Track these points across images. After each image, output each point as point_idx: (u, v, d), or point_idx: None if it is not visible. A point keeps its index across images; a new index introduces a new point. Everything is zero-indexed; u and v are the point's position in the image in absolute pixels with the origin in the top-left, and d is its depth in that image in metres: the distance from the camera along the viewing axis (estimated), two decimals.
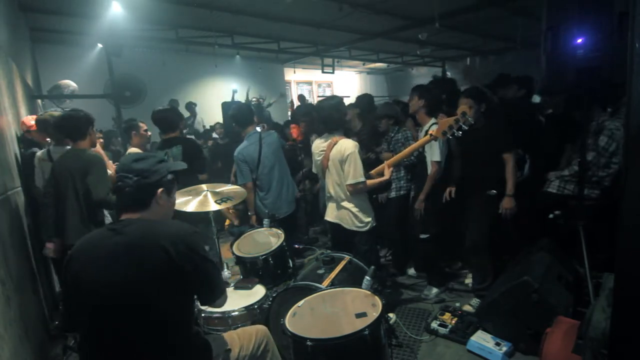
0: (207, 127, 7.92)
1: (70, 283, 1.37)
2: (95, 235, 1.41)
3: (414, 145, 2.62)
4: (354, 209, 2.66)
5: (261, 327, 1.84)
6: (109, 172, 2.71)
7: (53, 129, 2.84)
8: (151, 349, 1.32)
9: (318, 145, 2.80)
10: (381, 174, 2.63)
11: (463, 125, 2.37)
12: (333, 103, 2.72)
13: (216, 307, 1.57)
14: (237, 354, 1.63)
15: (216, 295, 1.49)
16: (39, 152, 2.97)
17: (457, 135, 2.41)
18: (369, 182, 2.60)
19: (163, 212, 1.47)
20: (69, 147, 2.76)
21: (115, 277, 1.28)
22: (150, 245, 1.30)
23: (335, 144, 2.65)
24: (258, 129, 3.36)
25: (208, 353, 1.50)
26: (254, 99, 8.01)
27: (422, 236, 3.09)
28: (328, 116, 2.67)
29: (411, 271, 3.61)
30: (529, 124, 3.52)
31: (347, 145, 2.58)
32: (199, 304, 1.72)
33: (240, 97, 8.11)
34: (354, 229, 2.68)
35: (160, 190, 1.43)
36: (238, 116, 3.34)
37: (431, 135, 2.48)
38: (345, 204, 2.68)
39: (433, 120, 3.01)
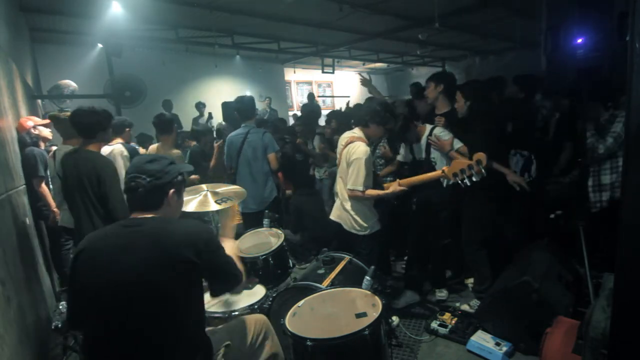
0: (212, 126, 7.93)
1: (79, 281, 1.36)
2: (108, 232, 1.41)
3: (424, 176, 2.54)
4: (353, 212, 2.65)
5: (260, 317, 1.86)
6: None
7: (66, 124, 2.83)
8: (157, 345, 1.32)
9: (342, 137, 2.80)
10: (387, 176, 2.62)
11: (474, 174, 2.29)
12: (376, 101, 2.76)
13: (235, 293, 1.64)
14: (237, 347, 1.64)
15: (234, 283, 1.55)
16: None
17: (465, 183, 2.32)
18: (369, 192, 2.55)
19: (172, 213, 1.50)
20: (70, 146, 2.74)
21: (128, 277, 1.28)
22: (169, 244, 1.32)
23: (350, 143, 2.62)
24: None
25: (209, 349, 1.50)
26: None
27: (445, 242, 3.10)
28: (363, 113, 2.69)
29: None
30: (531, 124, 3.51)
31: (357, 150, 2.54)
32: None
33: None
34: (353, 231, 2.68)
35: (172, 191, 1.46)
36: (241, 108, 3.64)
37: (443, 171, 2.41)
38: (346, 205, 2.68)
39: (429, 126, 2.92)
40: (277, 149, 3.57)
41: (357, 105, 2.71)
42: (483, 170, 2.28)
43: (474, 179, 2.31)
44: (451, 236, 3.12)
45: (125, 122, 3.66)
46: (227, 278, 1.51)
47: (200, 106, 8.06)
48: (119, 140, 3.56)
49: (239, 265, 1.61)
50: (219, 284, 1.52)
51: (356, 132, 2.69)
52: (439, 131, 2.84)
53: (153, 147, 3.93)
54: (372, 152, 3.25)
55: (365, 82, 3.72)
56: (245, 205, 3.53)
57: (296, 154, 4.39)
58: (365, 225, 2.65)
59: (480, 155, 2.31)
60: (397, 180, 2.61)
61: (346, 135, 2.75)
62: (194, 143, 4.46)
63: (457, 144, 2.76)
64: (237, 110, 3.71)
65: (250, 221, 3.35)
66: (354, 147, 2.57)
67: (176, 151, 3.74)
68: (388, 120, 2.62)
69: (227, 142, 3.62)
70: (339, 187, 2.76)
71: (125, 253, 1.31)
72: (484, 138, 2.69)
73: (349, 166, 2.56)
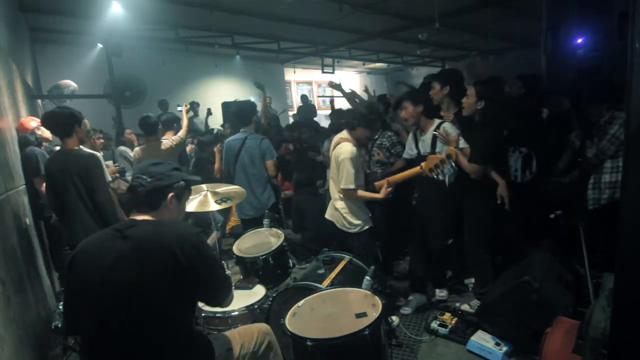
0: (211, 126, 7.90)
1: (74, 284, 1.36)
2: (100, 237, 1.41)
3: (407, 172, 2.63)
4: (343, 210, 2.71)
5: (263, 325, 1.84)
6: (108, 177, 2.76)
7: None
8: (155, 349, 1.32)
9: (333, 140, 2.87)
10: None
11: (445, 168, 2.40)
12: (371, 101, 2.83)
13: (224, 306, 1.57)
14: (239, 353, 1.63)
15: (224, 294, 1.51)
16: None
17: (438, 177, 2.44)
18: (360, 192, 2.65)
19: (170, 217, 1.49)
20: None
21: (122, 278, 1.29)
22: (157, 247, 1.32)
23: (338, 144, 2.71)
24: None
25: (210, 352, 1.50)
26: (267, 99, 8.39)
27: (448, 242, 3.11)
28: (351, 118, 2.78)
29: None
30: (532, 122, 3.49)
31: (344, 150, 2.64)
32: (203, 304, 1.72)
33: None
34: (344, 229, 2.73)
35: (171, 194, 1.47)
36: (240, 113, 3.66)
37: (421, 167, 2.52)
38: (337, 203, 2.75)
39: (438, 121, 2.84)
40: (275, 156, 3.57)
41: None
42: (453, 164, 2.41)
43: (445, 172, 2.42)
44: (452, 236, 3.12)
45: (173, 118, 4.05)
46: (216, 282, 1.47)
47: (194, 106, 7.97)
48: (171, 134, 3.94)
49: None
50: (209, 289, 1.47)
51: (344, 134, 2.78)
52: (448, 126, 2.77)
53: (137, 149, 3.91)
54: (368, 158, 3.32)
55: (335, 86, 3.88)
56: (242, 211, 3.53)
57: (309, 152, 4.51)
58: (355, 223, 2.70)
59: (451, 150, 2.47)
60: (387, 179, 2.64)
61: (336, 137, 2.84)
62: (190, 147, 4.52)
63: (463, 144, 2.73)
64: (235, 115, 3.71)
65: (248, 227, 3.25)
66: (341, 148, 2.67)
67: (166, 144, 3.76)
68: (374, 122, 2.77)
69: (225, 147, 3.62)
70: (330, 187, 2.85)
71: (119, 254, 1.31)
72: (489, 142, 2.67)
73: (338, 166, 2.65)
